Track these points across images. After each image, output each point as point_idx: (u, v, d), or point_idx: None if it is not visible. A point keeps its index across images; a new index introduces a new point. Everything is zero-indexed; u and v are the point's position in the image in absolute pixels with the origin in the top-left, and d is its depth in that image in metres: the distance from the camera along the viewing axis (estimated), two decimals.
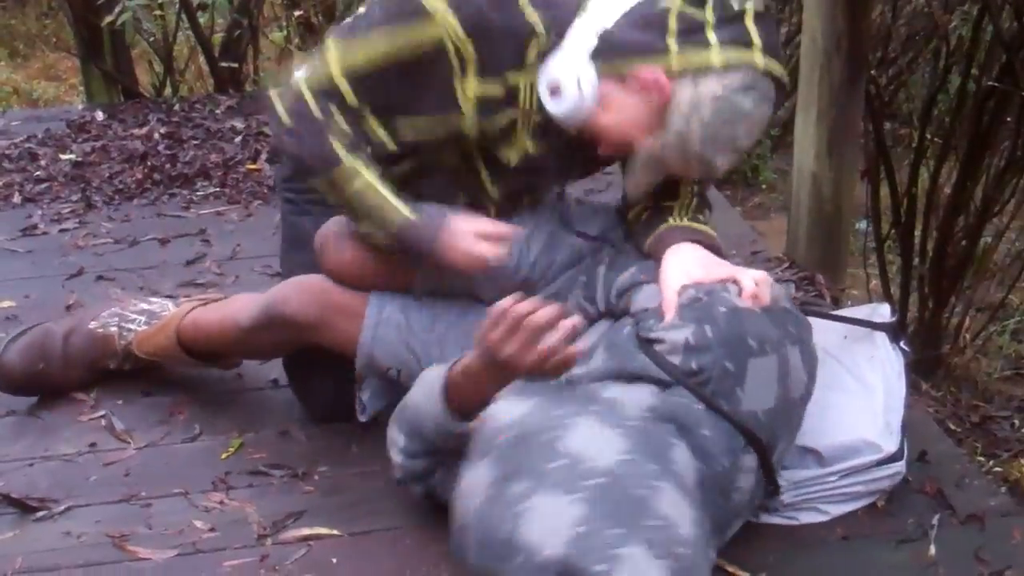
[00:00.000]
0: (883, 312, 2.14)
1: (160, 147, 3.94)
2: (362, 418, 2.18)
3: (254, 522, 2.00)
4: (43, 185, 3.65)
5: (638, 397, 1.70)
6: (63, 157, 3.89)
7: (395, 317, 2.07)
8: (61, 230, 3.33)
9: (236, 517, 2.03)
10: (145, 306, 2.38)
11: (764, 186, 5.16)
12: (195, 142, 4.01)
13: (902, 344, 2.09)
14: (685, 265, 1.90)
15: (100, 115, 4.32)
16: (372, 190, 1.93)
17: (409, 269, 2.05)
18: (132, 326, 2.34)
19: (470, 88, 1.87)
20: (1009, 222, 3.60)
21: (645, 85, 1.79)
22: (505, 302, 1.64)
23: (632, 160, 1.92)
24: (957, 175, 3.33)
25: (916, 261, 3.44)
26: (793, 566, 1.84)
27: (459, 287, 2.07)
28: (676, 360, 1.74)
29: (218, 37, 5.30)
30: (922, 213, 3.43)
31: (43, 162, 3.85)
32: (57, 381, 2.37)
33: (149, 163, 3.79)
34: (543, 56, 1.85)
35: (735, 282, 1.83)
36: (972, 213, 3.37)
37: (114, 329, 2.36)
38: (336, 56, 1.90)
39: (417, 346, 2.07)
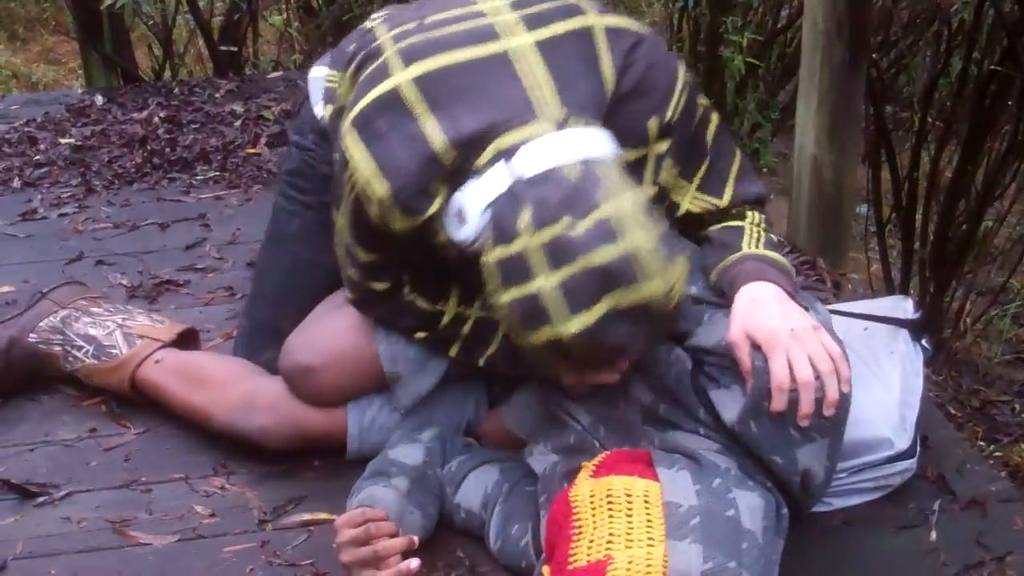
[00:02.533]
0: (906, 306, 2.13)
1: (160, 131, 3.93)
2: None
3: (255, 507, 2.01)
4: (42, 169, 3.64)
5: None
6: (62, 141, 3.88)
7: (376, 423, 2.05)
8: (61, 215, 3.32)
9: (237, 502, 2.03)
10: (92, 330, 2.31)
11: (765, 170, 5.14)
12: (194, 126, 4.00)
13: (924, 342, 2.08)
14: (760, 317, 1.72)
15: (99, 99, 4.31)
16: None
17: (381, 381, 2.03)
18: (79, 354, 2.29)
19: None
20: (1010, 206, 3.60)
21: None
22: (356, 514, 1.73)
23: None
24: (958, 159, 3.32)
25: (917, 245, 3.43)
26: (794, 552, 1.83)
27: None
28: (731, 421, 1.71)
29: (217, 20, 5.28)
30: (923, 197, 3.42)
31: (42, 146, 3.84)
32: (1, 393, 2.35)
33: (149, 147, 3.78)
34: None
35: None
36: (973, 197, 3.37)
37: (58, 349, 2.31)
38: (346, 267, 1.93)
39: None
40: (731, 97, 5.04)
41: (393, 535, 1.73)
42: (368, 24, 1.99)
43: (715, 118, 1.92)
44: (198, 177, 3.57)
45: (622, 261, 1.51)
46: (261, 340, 2.20)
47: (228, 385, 2.14)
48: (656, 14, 6.56)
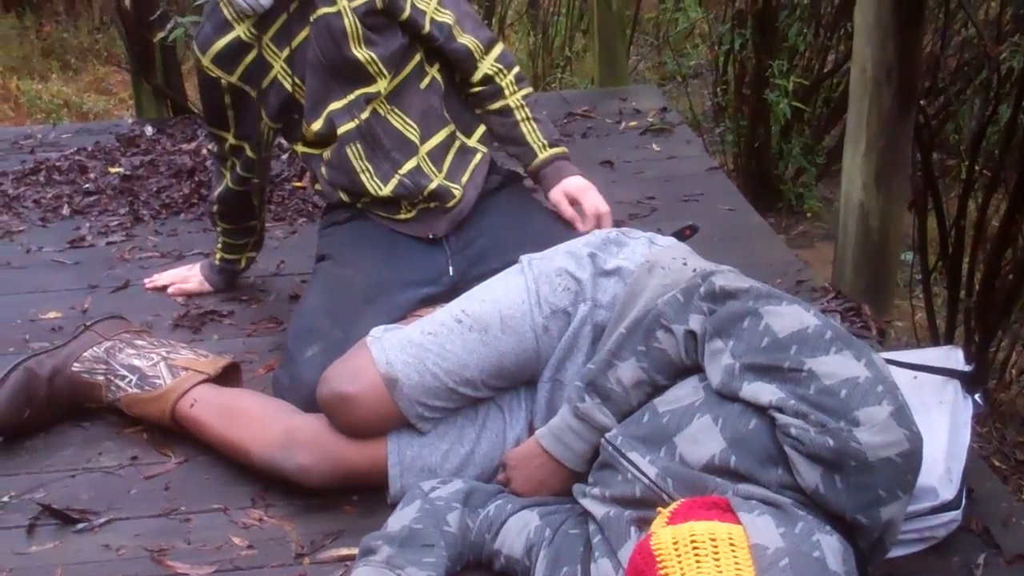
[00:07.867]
0: (957, 356, 2.11)
1: (208, 162, 3.97)
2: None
3: (293, 540, 2.01)
4: (92, 198, 3.69)
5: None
6: (112, 170, 3.93)
7: (417, 462, 2.05)
8: (108, 243, 3.36)
9: (275, 535, 2.03)
10: (136, 361, 2.33)
11: (808, 214, 5.13)
12: None
13: (977, 397, 2.06)
14: (568, 183, 2.58)
15: (149, 129, 4.36)
16: None
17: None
18: (121, 383, 2.31)
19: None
20: None
21: None
22: None
23: None
24: (1006, 208, 3.29)
25: (963, 294, 3.40)
26: None
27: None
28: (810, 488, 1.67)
29: None
30: (970, 246, 3.40)
31: (92, 175, 3.89)
32: (42, 423, 2.37)
33: (197, 178, 3.82)
34: None
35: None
36: (1020, 247, 3.33)
37: (101, 378, 2.33)
38: None
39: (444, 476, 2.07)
40: (776, 141, 5.04)
41: None
42: None
43: None
44: None
45: None
46: (305, 339, 2.33)
47: (267, 422, 2.14)
48: (702, 56, 6.58)
